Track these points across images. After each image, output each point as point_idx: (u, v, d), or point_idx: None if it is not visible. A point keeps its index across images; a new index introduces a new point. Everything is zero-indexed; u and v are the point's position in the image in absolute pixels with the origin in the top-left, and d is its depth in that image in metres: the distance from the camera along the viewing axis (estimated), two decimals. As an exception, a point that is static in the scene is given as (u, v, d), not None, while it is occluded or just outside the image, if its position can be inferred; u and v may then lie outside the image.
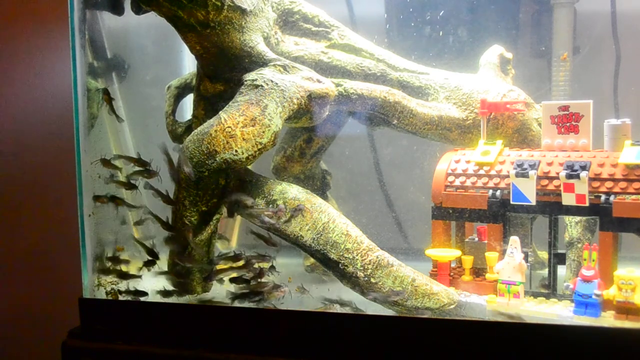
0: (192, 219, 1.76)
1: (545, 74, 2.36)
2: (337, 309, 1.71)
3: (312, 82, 1.83)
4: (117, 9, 2.01)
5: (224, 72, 1.89)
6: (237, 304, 1.73)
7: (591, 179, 1.62)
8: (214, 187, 1.77)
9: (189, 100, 2.16)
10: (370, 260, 1.68)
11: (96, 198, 1.87)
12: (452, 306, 1.67)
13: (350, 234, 1.71)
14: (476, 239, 1.90)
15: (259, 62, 1.86)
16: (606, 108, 2.27)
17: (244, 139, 1.69)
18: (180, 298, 1.81)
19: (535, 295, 1.70)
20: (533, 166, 1.69)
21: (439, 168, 1.86)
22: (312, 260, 2.06)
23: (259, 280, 1.76)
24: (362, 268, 1.68)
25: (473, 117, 1.96)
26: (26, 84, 2.65)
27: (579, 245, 1.83)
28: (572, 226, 1.87)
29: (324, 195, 2.22)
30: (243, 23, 1.84)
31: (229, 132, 1.68)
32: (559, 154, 1.72)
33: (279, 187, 1.80)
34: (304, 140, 2.13)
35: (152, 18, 1.86)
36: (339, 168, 2.34)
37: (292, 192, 1.78)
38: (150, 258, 1.82)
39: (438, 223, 1.83)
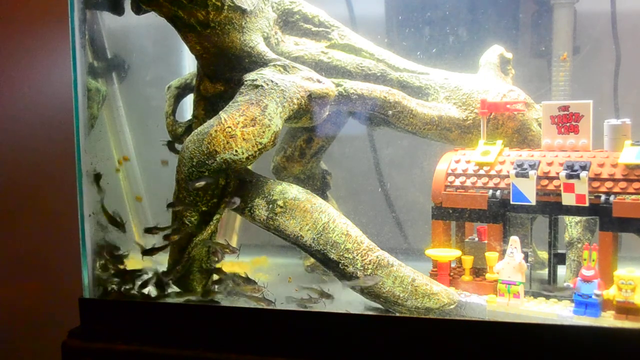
0: (192, 219, 1.76)
1: (545, 74, 2.36)
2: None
3: (312, 82, 1.83)
4: (117, 9, 2.01)
5: (224, 72, 1.89)
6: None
7: (591, 179, 1.62)
8: (214, 187, 1.77)
9: (189, 100, 2.16)
10: (370, 260, 1.68)
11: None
12: (452, 306, 1.67)
13: (350, 234, 1.71)
14: (476, 239, 1.90)
15: (259, 62, 1.86)
16: (606, 108, 2.27)
17: (244, 139, 1.69)
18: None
19: (535, 295, 1.70)
20: (533, 166, 1.69)
21: (439, 168, 1.86)
22: (312, 260, 2.06)
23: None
24: (362, 268, 1.68)
25: (473, 117, 1.96)
26: (26, 84, 2.65)
27: (579, 245, 1.83)
28: (572, 226, 1.87)
29: (324, 195, 2.22)
30: (243, 23, 1.84)
31: (229, 132, 1.68)
32: (559, 154, 1.72)
33: (279, 187, 1.80)
34: (304, 140, 2.13)
35: (152, 18, 1.86)
36: (339, 168, 2.34)
37: (292, 192, 1.78)
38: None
39: (438, 223, 1.83)
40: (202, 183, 1.70)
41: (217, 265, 1.84)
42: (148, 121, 2.35)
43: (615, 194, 1.59)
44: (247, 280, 1.79)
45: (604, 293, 1.53)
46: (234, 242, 2.55)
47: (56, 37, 2.53)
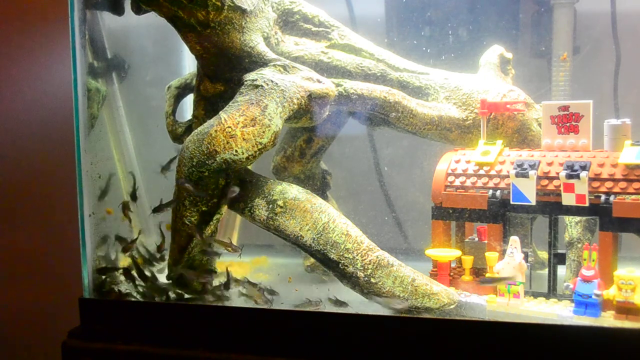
0: (192, 219, 1.76)
1: (545, 74, 2.36)
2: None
3: (312, 82, 1.83)
4: (117, 9, 2.01)
5: (224, 72, 1.89)
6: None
7: (591, 179, 1.62)
8: (214, 187, 1.77)
9: (189, 100, 2.16)
10: (370, 260, 1.68)
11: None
12: (452, 306, 1.67)
13: (350, 234, 1.71)
14: (476, 239, 1.90)
15: (259, 62, 1.86)
16: (606, 108, 2.27)
17: (244, 139, 1.69)
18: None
19: (535, 295, 1.70)
20: (533, 166, 1.69)
21: (439, 168, 1.86)
22: (312, 260, 2.06)
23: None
24: (362, 268, 1.68)
25: (473, 117, 1.96)
26: (26, 84, 2.65)
27: (579, 245, 1.83)
28: (572, 226, 1.87)
29: (324, 195, 2.22)
30: (243, 23, 1.84)
31: (229, 132, 1.68)
32: (559, 154, 1.72)
33: (279, 187, 1.80)
34: (304, 140, 2.13)
35: (152, 18, 1.86)
36: (339, 168, 2.34)
37: (292, 192, 1.78)
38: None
39: (438, 223, 1.83)
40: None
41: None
42: (148, 121, 2.35)
43: (615, 194, 1.59)
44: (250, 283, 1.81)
45: (604, 293, 1.53)
46: (234, 240, 2.55)
47: (56, 37, 2.54)
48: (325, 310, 1.69)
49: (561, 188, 1.65)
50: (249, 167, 1.86)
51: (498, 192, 1.74)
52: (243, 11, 1.82)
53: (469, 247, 1.87)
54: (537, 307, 1.62)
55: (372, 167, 2.53)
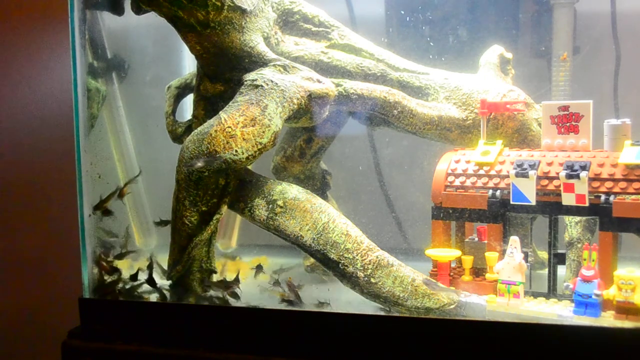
0: (192, 219, 1.76)
1: (545, 74, 2.36)
2: None
3: (312, 82, 1.83)
4: (117, 9, 2.01)
5: (224, 72, 1.89)
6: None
7: (591, 179, 1.62)
8: (214, 187, 1.77)
9: (189, 100, 2.16)
10: (370, 260, 1.68)
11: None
12: (452, 306, 1.67)
13: (350, 234, 1.71)
14: (476, 239, 1.90)
15: (259, 62, 1.86)
16: (606, 108, 2.27)
17: (244, 139, 1.69)
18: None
19: (535, 295, 1.70)
20: (533, 166, 1.69)
21: (439, 168, 1.86)
22: (312, 260, 2.06)
23: None
24: (362, 268, 1.68)
25: (473, 117, 1.96)
26: (26, 84, 2.65)
27: (579, 245, 1.83)
28: (572, 226, 1.87)
29: (324, 195, 2.22)
30: (243, 23, 1.84)
31: (229, 132, 1.68)
32: (559, 154, 1.72)
33: (279, 187, 1.80)
34: (304, 140, 2.13)
35: (152, 18, 1.86)
36: (339, 168, 2.34)
37: (292, 192, 1.78)
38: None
39: (438, 223, 1.83)
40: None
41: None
42: (148, 121, 2.35)
43: (615, 194, 1.59)
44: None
45: (604, 293, 1.53)
46: (234, 242, 2.55)
47: (56, 37, 2.54)
48: (326, 311, 1.69)
49: (561, 188, 1.65)
50: (249, 167, 1.86)
51: (498, 192, 1.74)
52: (243, 11, 1.82)
53: (469, 247, 1.87)
54: (537, 307, 1.62)
55: (372, 167, 2.53)
